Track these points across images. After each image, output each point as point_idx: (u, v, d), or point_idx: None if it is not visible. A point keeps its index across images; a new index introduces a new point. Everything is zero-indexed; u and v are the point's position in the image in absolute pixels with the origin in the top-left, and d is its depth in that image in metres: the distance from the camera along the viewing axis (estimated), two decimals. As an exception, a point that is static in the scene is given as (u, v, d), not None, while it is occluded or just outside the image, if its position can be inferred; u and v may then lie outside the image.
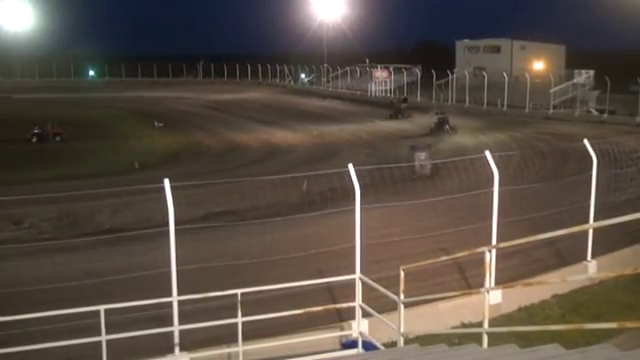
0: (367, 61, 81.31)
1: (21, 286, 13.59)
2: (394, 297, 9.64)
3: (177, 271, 10.28)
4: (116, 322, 9.45)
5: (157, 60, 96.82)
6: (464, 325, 11.98)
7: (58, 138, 45.34)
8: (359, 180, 11.41)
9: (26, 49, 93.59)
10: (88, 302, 9.36)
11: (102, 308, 8.91)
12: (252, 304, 10.51)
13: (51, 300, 12.02)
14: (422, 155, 29.29)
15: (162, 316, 10.73)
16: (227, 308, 10.17)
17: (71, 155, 39.70)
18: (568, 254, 15.34)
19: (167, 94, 77.63)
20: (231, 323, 9.68)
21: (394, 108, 53.81)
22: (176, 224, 10.25)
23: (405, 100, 56.28)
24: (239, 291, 9.69)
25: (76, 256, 17.04)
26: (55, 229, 20.31)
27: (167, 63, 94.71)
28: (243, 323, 9.67)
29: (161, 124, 51.98)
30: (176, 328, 10.12)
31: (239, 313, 9.63)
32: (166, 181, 10.25)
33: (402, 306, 9.59)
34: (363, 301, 10.68)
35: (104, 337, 8.92)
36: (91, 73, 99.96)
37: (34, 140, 44.67)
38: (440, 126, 43.20)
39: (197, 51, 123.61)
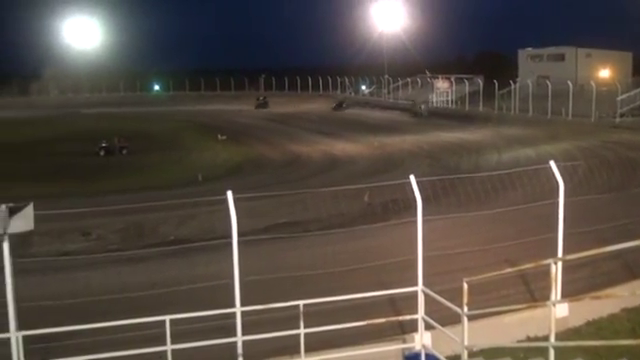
0: (427, 73, 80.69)
1: (90, 296, 13.95)
2: (457, 309, 9.52)
3: (240, 282, 10.38)
4: (181, 332, 9.59)
5: (220, 74, 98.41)
6: (530, 339, 11.75)
7: (124, 151, 46.53)
8: (420, 191, 11.34)
9: (94, 65, 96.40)
10: (154, 312, 9.53)
11: (167, 318, 9.08)
12: (315, 315, 10.54)
13: (118, 310, 12.32)
14: (423, 105, 66.03)
15: (226, 327, 10.84)
16: (291, 319, 10.22)
17: (137, 168, 40.68)
18: (637, 266, 14.90)
19: (230, 107, 78.84)
20: (294, 334, 9.73)
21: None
22: (239, 235, 10.35)
23: None
24: (301, 302, 9.73)
25: (142, 267, 17.41)
26: (122, 240, 20.80)
27: (229, 77, 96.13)
28: (306, 334, 9.70)
29: (224, 137, 52.75)
30: (239, 339, 10.21)
31: (301, 324, 9.67)
32: (229, 193, 10.36)
33: (466, 319, 9.47)
34: (426, 313, 10.59)
35: (169, 347, 9.08)
36: (156, 87, 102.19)
37: (101, 153, 45.96)
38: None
39: (259, 65, 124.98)
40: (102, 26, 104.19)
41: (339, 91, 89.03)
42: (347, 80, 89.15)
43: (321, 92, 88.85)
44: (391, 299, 12.94)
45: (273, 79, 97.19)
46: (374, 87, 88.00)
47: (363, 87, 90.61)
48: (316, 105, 77.34)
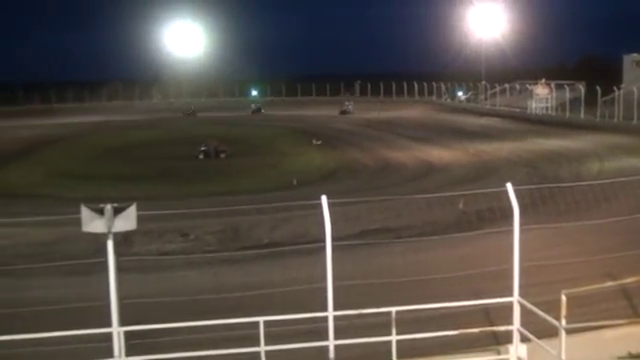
0: (544, 80, 77.62)
1: (187, 295, 14.34)
2: (555, 322, 9.26)
3: (333, 286, 10.41)
4: (273, 334, 9.72)
5: (316, 79, 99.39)
6: (632, 356, 11.26)
7: (222, 155, 47.55)
8: (518, 200, 11.07)
9: (196, 71, 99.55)
10: (247, 313, 9.71)
11: (261, 320, 9.23)
12: (406, 322, 10.46)
13: (214, 309, 12.61)
14: (350, 105, 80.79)
15: (315, 330, 10.91)
16: (379, 326, 10.19)
17: (234, 171, 41.55)
18: None
19: (325, 112, 79.26)
20: (385, 341, 9.70)
21: None
22: (332, 240, 10.39)
23: None
24: (394, 309, 9.69)
25: (237, 268, 17.79)
26: (219, 242, 21.29)
27: (325, 82, 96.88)
28: (397, 341, 9.65)
29: (319, 142, 53.13)
30: (331, 343, 10.24)
31: (393, 331, 9.63)
32: (323, 198, 10.40)
33: (564, 332, 9.19)
34: (521, 325, 10.34)
35: (263, 348, 9.23)
36: (254, 93, 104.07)
37: (201, 157, 47.18)
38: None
39: (355, 71, 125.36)
40: (205, 33, 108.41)
41: (435, 97, 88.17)
42: (443, 86, 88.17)
43: (417, 98, 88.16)
44: (484, 309, 12.68)
45: (368, 85, 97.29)
46: (471, 93, 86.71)
47: (460, 93, 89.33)
48: (413, 111, 76.72)
